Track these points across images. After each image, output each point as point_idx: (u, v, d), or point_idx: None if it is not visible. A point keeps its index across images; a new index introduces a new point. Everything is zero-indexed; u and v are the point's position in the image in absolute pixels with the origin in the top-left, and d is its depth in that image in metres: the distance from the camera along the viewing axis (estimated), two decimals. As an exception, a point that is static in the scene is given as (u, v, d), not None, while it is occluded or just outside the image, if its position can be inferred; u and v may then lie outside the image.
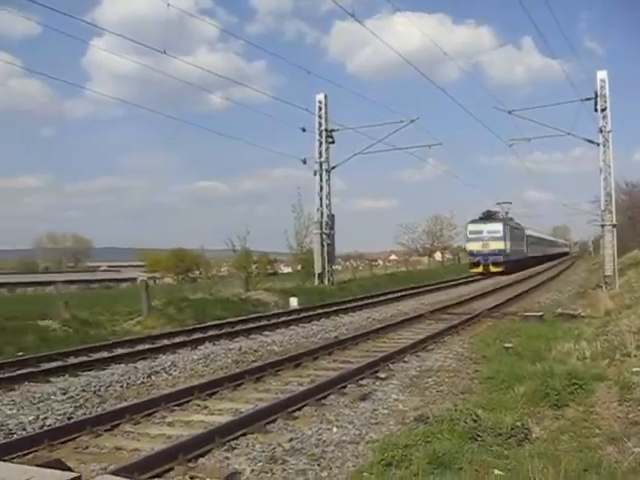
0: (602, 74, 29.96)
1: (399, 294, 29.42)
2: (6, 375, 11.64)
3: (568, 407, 8.03)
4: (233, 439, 7.09)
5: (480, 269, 48.12)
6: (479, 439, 6.49)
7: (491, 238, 48.53)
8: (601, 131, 29.89)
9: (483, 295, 27.52)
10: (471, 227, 51.23)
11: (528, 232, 64.55)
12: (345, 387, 9.81)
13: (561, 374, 8.85)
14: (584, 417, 7.60)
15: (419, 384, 10.08)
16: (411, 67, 36.78)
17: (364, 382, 10.25)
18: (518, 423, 6.80)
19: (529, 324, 15.97)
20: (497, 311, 20.12)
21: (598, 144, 29.92)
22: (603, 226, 30.06)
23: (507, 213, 57.22)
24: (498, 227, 49.22)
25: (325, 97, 34.20)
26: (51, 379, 11.34)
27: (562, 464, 5.55)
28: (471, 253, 50.35)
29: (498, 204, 56.58)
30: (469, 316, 18.55)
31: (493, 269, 47.24)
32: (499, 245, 48.32)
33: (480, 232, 49.52)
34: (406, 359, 12.29)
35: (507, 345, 12.70)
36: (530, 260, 61.54)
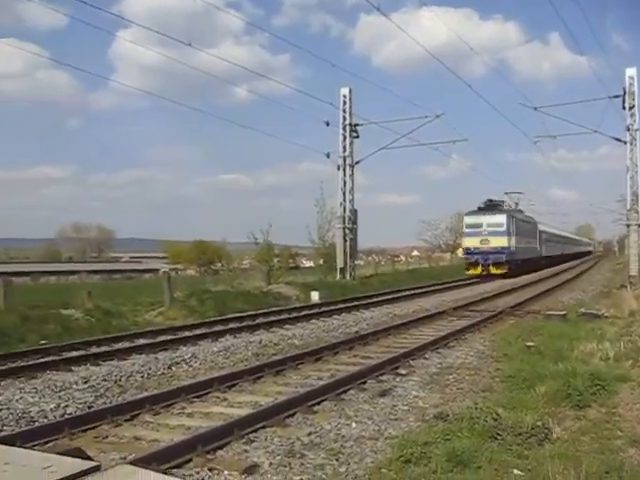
0: (631, 71, 29.67)
1: (421, 290, 29.33)
2: (29, 363, 11.77)
3: (590, 408, 7.94)
4: (252, 432, 7.08)
5: (478, 270, 40.63)
6: (499, 438, 6.44)
7: (492, 233, 41.00)
8: (628, 129, 29.63)
9: (506, 292, 27.36)
10: (468, 219, 43.59)
11: (541, 227, 57.00)
12: (365, 382, 9.78)
13: (583, 374, 8.77)
14: (606, 418, 7.51)
15: (439, 381, 10.02)
16: (437, 62, 36.67)
17: (384, 378, 10.21)
18: (539, 423, 6.74)
19: (552, 323, 15.82)
20: (520, 309, 19.97)
21: (625, 142, 29.68)
22: (629, 225, 29.84)
23: (517, 204, 50.90)
24: (501, 219, 41.52)
25: (350, 91, 34.15)
26: (73, 368, 11.43)
27: (583, 466, 5.49)
28: (467, 251, 42.49)
29: (506, 194, 49.82)
30: (491, 313, 18.45)
31: (494, 270, 40.03)
32: (501, 241, 40.77)
33: (479, 225, 41.78)
34: (427, 356, 12.24)
35: (529, 344, 12.60)
36: (544, 260, 54.72)
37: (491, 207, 43.49)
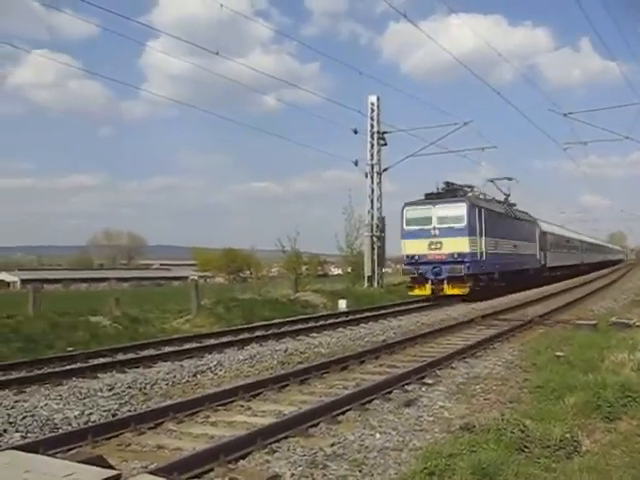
0: (664, 76, 28.96)
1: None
2: (55, 370, 11.84)
3: (621, 420, 7.75)
4: (275, 442, 7.01)
5: (426, 290, 27.78)
6: (526, 450, 6.29)
7: (446, 232, 27.68)
8: (661, 135, 29.05)
9: (536, 301, 27.00)
10: (410, 212, 28.98)
11: (546, 228, 44.42)
12: (390, 392, 9.65)
13: (614, 385, 8.56)
14: (637, 432, 7.31)
15: (466, 391, 9.87)
16: (465, 69, 36.59)
17: (410, 387, 10.08)
18: (567, 435, 6.57)
19: (582, 332, 15.54)
20: (549, 318, 19.69)
21: (657, 149, 29.13)
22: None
23: (508, 196, 37.61)
24: (459, 211, 27.83)
25: (377, 99, 34.17)
26: (98, 375, 11.47)
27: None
28: (409, 260, 28.53)
29: (490, 181, 37.06)
30: (520, 322, 18.21)
31: (449, 290, 27.27)
32: (460, 244, 27.33)
33: (426, 221, 28.25)
34: (454, 365, 12.07)
35: (558, 354, 12.38)
36: (550, 272, 43.10)
37: (445, 193, 29.79)
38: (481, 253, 28.60)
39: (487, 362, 12.45)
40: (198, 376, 11.54)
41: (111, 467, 5.69)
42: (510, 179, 37.89)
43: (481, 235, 28.72)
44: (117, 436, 7.44)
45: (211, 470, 6.03)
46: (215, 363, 12.52)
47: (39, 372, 11.77)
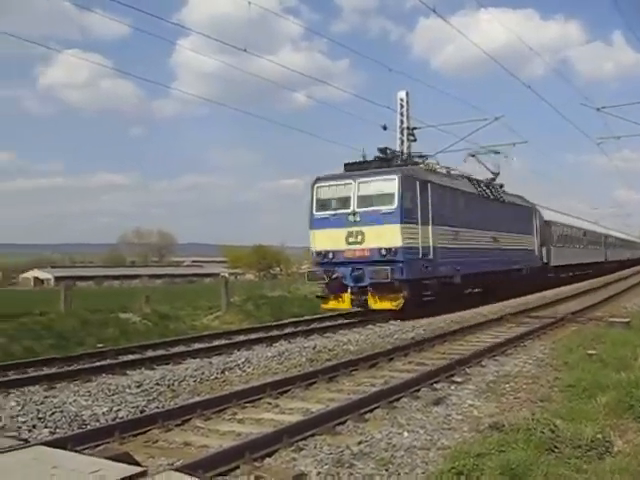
0: (699, 69, 28.21)
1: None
2: (85, 366, 11.95)
3: (654, 420, 7.59)
4: (301, 439, 6.97)
5: (344, 303, 19.86)
6: (556, 451, 6.18)
7: (370, 217, 19.41)
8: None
9: (568, 298, 26.66)
10: (323, 191, 20.75)
11: (549, 216, 36.34)
12: (419, 390, 9.57)
13: (647, 384, 8.40)
14: (672, 431, 7.17)
15: (496, 390, 9.74)
16: (495, 64, 36.09)
17: (439, 386, 9.98)
18: (599, 435, 6.44)
19: (615, 330, 15.30)
20: (582, 315, 19.39)
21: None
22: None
23: (497, 175, 30.57)
24: (388, 187, 19.55)
25: (407, 94, 33.88)
26: (127, 372, 11.55)
27: (646, 481, 5.22)
28: (321, 259, 20.20)
29: (472, 155, 30.36)
30: (552, 320, 17.97)
31: (375, 303, 19.37)
32: (388, 237, 19.14)
33: (344, 204, 20.05)
34: (483, 363, 11.94)
35: (590, 352, 12.18)
36: (557, 273, 35.57)
37: (373, 163, 21.11)
38: (426, 248, 19.96)
39: (517, 360, 12.29)
40: (226, 373, 11.55)
41: (137, 464, 5.69)
42: (497, 152, 30.43)
43: (426, 222, 20.09)
44: (144, 433, 7.46)
45: (237, 468, 6.01)
46: (243, 360, 12.51)
47: (69, 369, 11.88)
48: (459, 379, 10.49)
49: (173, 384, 10.48)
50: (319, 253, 20.24)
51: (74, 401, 9.07)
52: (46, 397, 9.42)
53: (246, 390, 9.53)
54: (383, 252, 18.95)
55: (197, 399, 9.23)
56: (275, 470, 6.01)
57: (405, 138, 33.53)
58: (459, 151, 34.04)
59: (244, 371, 11.79)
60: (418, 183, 20.14)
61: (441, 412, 8.35)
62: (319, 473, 5.97)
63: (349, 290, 19.49)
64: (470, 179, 26.45)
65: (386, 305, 19.14)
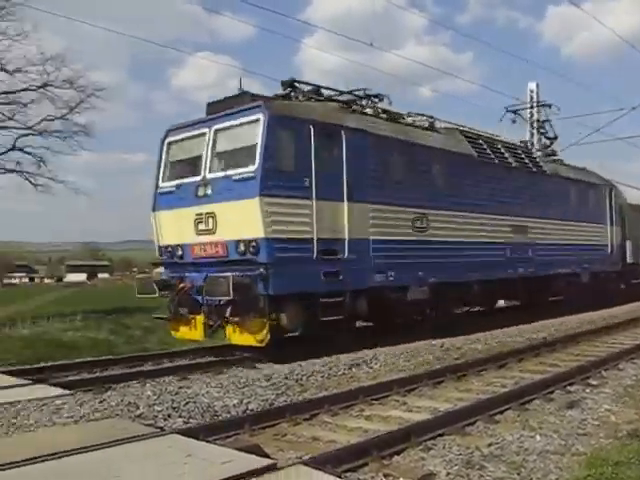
0: None
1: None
2: (218, 359, 12.29)
3: None
4: (429, 439, 6.85)
5: (195, 328, 12.46)
6: None
7: (224, 188, 12.06)
8: None
9: None
10: (175, 148, 13.68)
11: (633, 198, 27.19)
12: (552, 392, 9.20)
13: None
14: None
15: (634, 395, 9.22)
16: (633, 49, 34.32)
17: (572, 388, 9.57)
18: None
19: None
20: None
21: None
22: None
23: (551, 147, 25.52)
24: (247, 133, 12.16)
25: (537, 85, 32.85)
26: (257, 365, 11.78)
27: None
28: (167, 257, 13.36)
29: (513, 111, 26.32)
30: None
31: (234, 333, 11.90)
32: (246, 222, 11.61)
33: (193, 167, 13.11)
34: (620, 366, 11.35)
35: None
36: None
37: (240, 98, 13.02)
38: (331, 241, 12.86)
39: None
40: (353, 369, 11.54)
41: (267, 456, 5.78)
42: (549, 106, 25.19)
43: (334, 196, 12.90)
44: (273, 426, 7.55)
45: (365, 465, 5.97)
46: (371, 356, 12.47)
47: (202, 361, 12.27)
48: (594, 382, 10.01)
49: (301, 379, 10.57)
50: (165, 248, 13.52)
51: (206, 392, 9.33)
52: (180, 387, 9.78)
53: (373, 386, 9.50)
54: (241, 248, 11.93)
55: (325, 394, 9.27)
56: (404, 469, 5.92)
57: (535, 131, 32.50)
58: (594, 143, 32.57)
59: (371, 367, 11.71)
60: (313, 128, 12.51)
61: (575, 416, 7.93)
62: (448, 474, 5.85)
63: (202, 311, 12.33)
64: (468, 136, 17.95)
65: (247, 339, 11.92)
